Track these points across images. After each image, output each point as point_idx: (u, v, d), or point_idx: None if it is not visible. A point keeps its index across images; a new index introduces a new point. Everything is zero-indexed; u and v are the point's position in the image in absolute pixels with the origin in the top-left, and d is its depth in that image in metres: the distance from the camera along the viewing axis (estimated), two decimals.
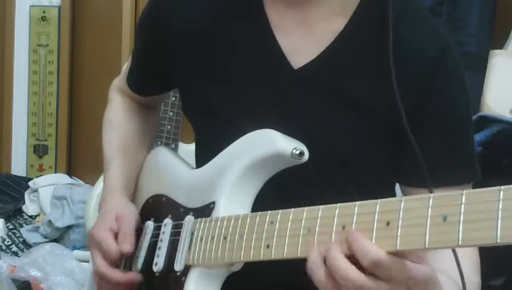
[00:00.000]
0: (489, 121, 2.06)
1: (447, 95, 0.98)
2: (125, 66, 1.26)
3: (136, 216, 1.09)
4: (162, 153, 1.19)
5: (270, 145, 0.92)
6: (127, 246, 1.03)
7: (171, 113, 2.36)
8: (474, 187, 1.04)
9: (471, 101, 1.03)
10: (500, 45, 2.39)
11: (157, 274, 1.02)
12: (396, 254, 0.72)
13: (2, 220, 2.82)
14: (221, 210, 0.94)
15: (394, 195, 1.02)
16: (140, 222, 1.09)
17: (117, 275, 1.03)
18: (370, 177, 1.00)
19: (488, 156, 1.93)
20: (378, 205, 0.73)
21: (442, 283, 0.79)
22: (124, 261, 1.09)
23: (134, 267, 1.07)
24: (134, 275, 1.04)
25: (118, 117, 1.25)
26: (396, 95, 0.92)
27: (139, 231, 1.08)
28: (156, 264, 1.02)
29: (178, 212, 1.04)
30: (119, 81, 1.28)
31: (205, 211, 0.97)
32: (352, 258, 0.73)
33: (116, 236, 1.05)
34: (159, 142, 2.38)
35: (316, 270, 0.75)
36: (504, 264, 1.71)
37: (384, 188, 1.03)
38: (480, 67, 2.30)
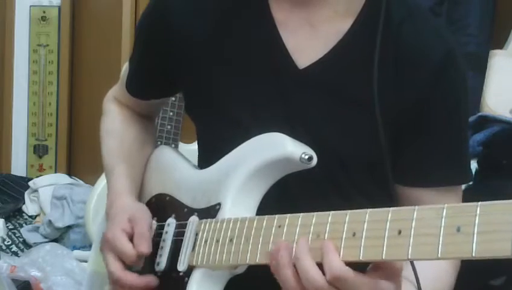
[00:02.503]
0: (489, 121, 2.07)
1: (450, 98, 0.99)
2: (122, 75, 1.23)
3: (150, 215, 1.05)
4: (165, 152, 1.19)
5: (278, 149, 0.92)
6: (144, 247, 0.99)
7: (171, 113, 2.36)
8: (473, 185, 1.05)
9: (471, 103, 1.04)
10: (500, 45, 2.40)
11: (159, 274, 1.01)
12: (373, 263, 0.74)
13: (2, 220, 2.82)
14: (227, 212, 0.94)
15: (395, 198, 1.02)
16: (157, 226, 1.05)
17: (132, 279, 0.99)
18: (373, 179, 1.00)
19: (488, 156, 1.93)
20: (390, 213, 0.72)
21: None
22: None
23: (135, 267, 1.07)
24: (150, 279, 1.00)
25: (116, 126, 1.22)
26: (374, 90, 0.94)
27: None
28: (158, 264, 1.02)
29: (182, 212, 1.03)
30: (114, 92, 1.26)
31: (210, 212, 0.97)
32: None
33: (130, 238, 1.01)
34: (159, 142, 2.38)
35: (283, 268, 0.78)
36: (504, 264, 1.71)
37: (386, 192, 1.03)
38: (480, 67, 2.31)
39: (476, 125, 2.05)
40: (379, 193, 0.97)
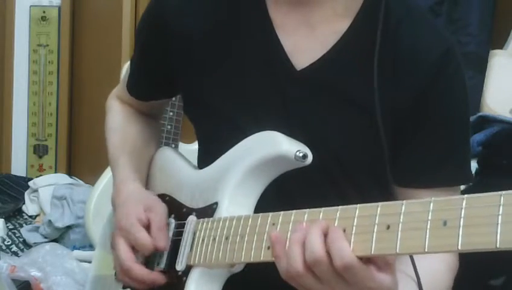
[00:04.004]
0: (489, 121, 2.07)
1: (448, 97, 0.99)
2: (123, 75, 1.24)
3: (163, 205, 1.04)
4: (166, 153, 1.19)
5: (273, 147, 0.92)
6: (163, 243, 0.99)
7: (171, 113, 2.36)
8: (473, 186, 1.06)
9: (470, 102, 1.04)
10: (500, 45, 2.40)
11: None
12: (363, 258, 0.74)
13: (2, 220, 2.82)
14: (224, 211, 0.95)
15: (394, 198, 1.02)
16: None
17: (143, 272, 0.99)
18: (371, 179, 1.00)
19: (488, 156, 1.93)
20: (379, 208, 0.73)
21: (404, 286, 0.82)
22: None
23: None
24: (158, 275, 0.99)
25: (120, 122, 1.22)
26: (375, 93, 0.94)
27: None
28: (158, 263, 1.02)
29: (181, 212, 1.03)
30: (117, 91, 1.27)
31: (208, 211, 0.97)
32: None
33: (146, 228, 1.00)
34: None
35: (294, 245, 0.77)
36: (504, 264, 1.71)
37: (386, 190, 1.03)
38: (480, 67, 2.31)
39: (476, 125, 2.05)
40: (379, 193, 0.97)
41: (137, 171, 1.14)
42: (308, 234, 0.77)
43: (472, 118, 2.04)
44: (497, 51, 2.36)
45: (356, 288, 0.76)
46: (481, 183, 1.83)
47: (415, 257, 0.90)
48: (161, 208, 1.03)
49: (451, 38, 1.02)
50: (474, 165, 1.91)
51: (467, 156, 1.05)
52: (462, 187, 1.10)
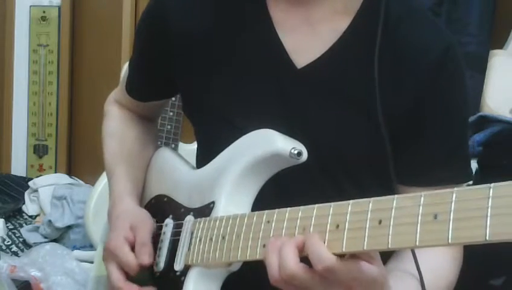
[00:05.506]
0: (489, 121, 2.06)
1: (449, 95, 0.99)
2: (122, 78, 1.24)
3: (152, 222, 1.04)
4: (164, 154, 1.19)
5: (268, 145, 0.92)
6: (146, 258, 0.98)
7: (171, 113, 2.36)
8: (473, 185, 1.06)
9: (470, 101, 1.04)
10: (500, 45, 2.39)
11: (157, 274, 1.02)
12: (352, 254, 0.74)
13: (2, 220, 2.82)
14: (221, 210, 0.94)
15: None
16: (156, 227, 1.05)
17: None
18: (372, 177, 1.00)
19: (488, 156, 1.93)
20: (371, 204, 0.73)
21: (400, 282, 0.84)
22: None
23: None
24: (150, 289, 0.99)
25: (117, 127, 1.22)
26: (376, 92, 0.94)
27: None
28: (156, 264, 1.02)
29: (179, 212, 1.04)
30: (114, 95, 1.26)
31: (205, 211, 0.97)
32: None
33: (132, 246, 1.00)
34: (159, 143, 2.37)
35: (270, 253, 0.78)
36: (504, 264, 1.71)
37: (386, 189, 1.03)
38: (480, 67, 2.30)
39: (476, 125, 2.05)
40: (380, 191, 0.97)
41: (134, 180, 1.14)
42: (281, 250, 0.77)
43: (472, 118, 2.04)
44: (497, 51, 2.36)
45: (341, 286, 0.76)
46: (481, 184, 1.83)
47: (417, 253, 0.90)
48: (147, 223, 1.03)
49: (452, 37, 1.01)
50: (474, 165, 1.90)
51: (467, 154, 1.06)
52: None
